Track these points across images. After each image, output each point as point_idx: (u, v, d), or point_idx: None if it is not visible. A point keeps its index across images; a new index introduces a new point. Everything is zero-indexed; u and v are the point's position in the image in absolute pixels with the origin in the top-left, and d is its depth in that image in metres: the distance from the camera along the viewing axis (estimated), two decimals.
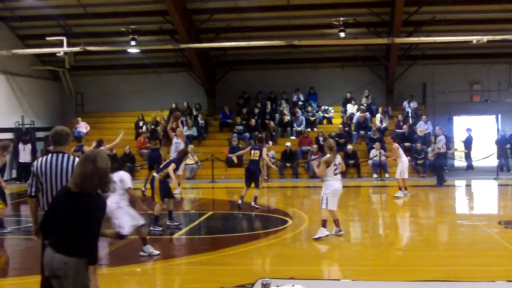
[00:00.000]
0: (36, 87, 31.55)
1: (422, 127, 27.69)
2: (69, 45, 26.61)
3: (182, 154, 15.44)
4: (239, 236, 14.23)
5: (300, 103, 30.66)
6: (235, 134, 28.32)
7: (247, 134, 28.46)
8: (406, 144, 26.50)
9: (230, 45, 27.91)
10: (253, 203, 17.60)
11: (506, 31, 25.41)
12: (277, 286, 6.98)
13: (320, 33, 28.30)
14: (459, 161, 28.66)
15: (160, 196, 14.20)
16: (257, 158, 17.76)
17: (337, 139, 26.30)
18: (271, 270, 10.48)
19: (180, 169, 21.49)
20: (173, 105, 30.70)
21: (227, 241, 13.35)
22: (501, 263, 10.85)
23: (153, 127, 26.37)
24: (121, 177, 11.06)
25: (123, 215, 10.57)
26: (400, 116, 28.84)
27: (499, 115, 30.39)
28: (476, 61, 29.84)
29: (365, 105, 29.68)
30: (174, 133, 21.46)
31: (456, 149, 28.79)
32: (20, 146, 27.86)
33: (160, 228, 14.02)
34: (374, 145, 26.61)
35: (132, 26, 27.72)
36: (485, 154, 27.62)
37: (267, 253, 12.25)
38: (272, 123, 28.98)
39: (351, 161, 26.37)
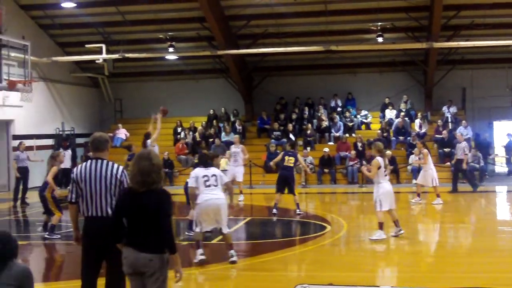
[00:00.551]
0: (75, 93, 31.96)
1: (462, 132, 27.35)
2: (108, 52, 26.96)
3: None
4: (277, 242, 14.21)
5: (338, 108, 30.54)
6: (272, 140, 28.29)
7: (285, 140, 28.42)
8: (446, 149, 26.21)
9: (267, 51, 27.97)
10: (297, 210, 17.38)
11: None
12: None
13: (358, 38, 28.20)
14: (500, 167, 28.24)
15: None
16: (291, 164, 17.36)
17: None
18: (310, 276, 10.42)
19: (240, 174, 21.51)
20: (211, 111, 30.84)
21: (266, 247, 13.34)
22: None
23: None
24: None
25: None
26: (439, 121, 28.51)
27: None
28: None
29: (403, 110, 29.44)
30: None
31: (496, 154, 28.37)
32: (60, 152, 28.16)
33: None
34: (413, 151, 26.33)
35: (170, 33, 27.93)
36: None
37: (306, 259, 12.21)
38: (310, 127, 28.89)
39: (390, 167, 26.10)
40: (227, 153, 22.45)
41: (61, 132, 29.74)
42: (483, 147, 27.06)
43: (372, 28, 26.75)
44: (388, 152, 26.41)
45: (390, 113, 29.80)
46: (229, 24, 27.68)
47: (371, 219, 15.03)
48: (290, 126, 28.92)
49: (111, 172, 7.21)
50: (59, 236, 13.86)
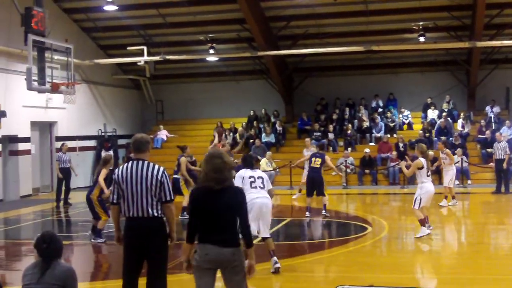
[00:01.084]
0: (117, 95, 32.33)
1: (506, 133, 26.95)
2: (149, 54, 27.17)
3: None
4: (317, 242, 14.20)
5: (379, 109, 30.35)
6: (313, 141, 28.21)
7: (325, 141, 28.34)
8: (489, 150, 25.85)
9: (308, 52, 27.88)
10: (323, 211, 17.29)
11: None
12: None
13: (399, 38, 27.98)
14: None
15: None
16: (317, 165, 17.29)
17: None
18: (350, 278, 10.35)
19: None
20: (251, 113, 30.89)
21: (306, 248, 13.34)
22: None
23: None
24: None
25: None
26: (482, 121, 28.13)
27: None
28: None
29: (446, 110, 29.13)
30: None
31: None
32: (103, 153, 28.53)
33: None
34: (455, 151, 26.03)
35: (210, 35, 28.08)
36: None
37: (346, 260, 12.14)
38: (350, 127, 28.77)
39: (432, 168, 25.83)
40: (267, 154, 22.45)
41: (103, 134, 30.10)
42: None
43: (414, 27, 26.52)
44: (430, 152, 26.23)
45: (432, 113, 29.49)
46: (269, 25, 27.69)
47: (412, 220, 14.89)
48: (330, 127, 28.82)
49: (151, 173, 7.26)
50: (103, 240, 13.96)
